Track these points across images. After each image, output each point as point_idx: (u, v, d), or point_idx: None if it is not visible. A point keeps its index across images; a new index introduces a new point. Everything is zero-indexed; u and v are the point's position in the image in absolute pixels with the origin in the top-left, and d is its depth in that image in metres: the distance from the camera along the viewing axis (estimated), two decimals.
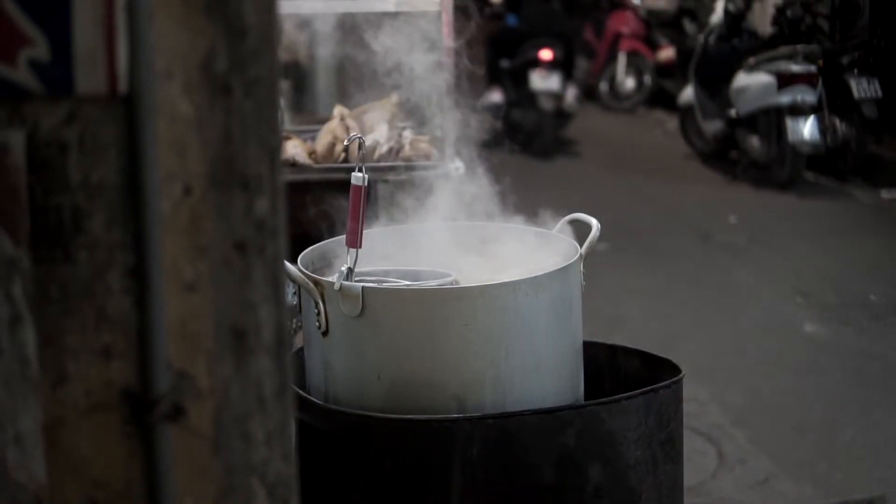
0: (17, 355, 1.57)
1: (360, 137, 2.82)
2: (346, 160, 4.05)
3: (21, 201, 1.57)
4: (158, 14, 1.56)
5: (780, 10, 10.46)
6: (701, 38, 11.29)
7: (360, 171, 2.71)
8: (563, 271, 2.66)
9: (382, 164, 4.14)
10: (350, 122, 4.28)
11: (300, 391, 2.66)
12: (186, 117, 1.59)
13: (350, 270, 2.65)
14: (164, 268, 1.60)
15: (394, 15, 4.08)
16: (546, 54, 11.04)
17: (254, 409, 1.65)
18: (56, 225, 1.59)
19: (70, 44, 1.55)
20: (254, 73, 1.61)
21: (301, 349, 2.82)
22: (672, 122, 12.34)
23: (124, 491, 1.63)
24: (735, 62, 10.43)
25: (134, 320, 1.60)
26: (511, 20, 11.81)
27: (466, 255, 2.89)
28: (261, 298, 1.64)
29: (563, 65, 11.16)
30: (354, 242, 2.68)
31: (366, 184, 2.70)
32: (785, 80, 9.68)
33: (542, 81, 10.97)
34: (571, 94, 11.45)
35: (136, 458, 1.62)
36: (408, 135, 4.29)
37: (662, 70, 13.72)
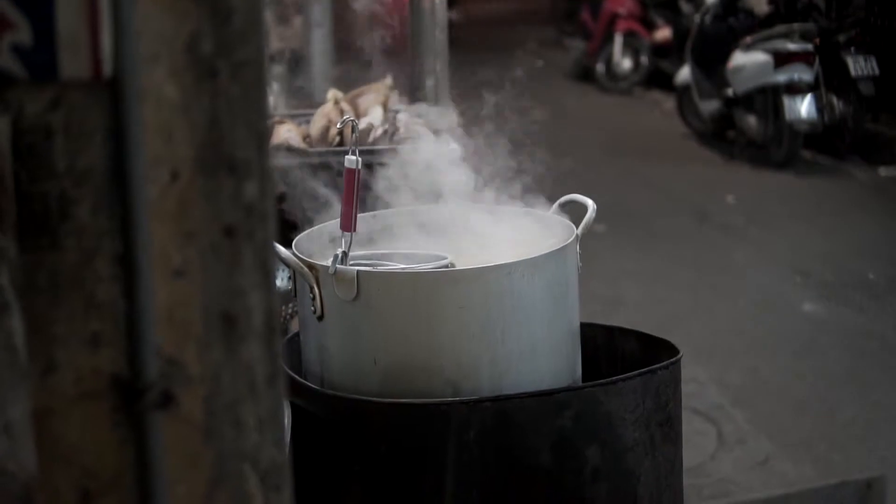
0: (4, 344, 1.55)
1: (352, 120, 2.80)
2: (340, 143, 4.03)
3: (6, 188, 1.55)
4: None
5: None
6: (697, 17, 11.27)
7: (353, 153, 2.69)
8: (559, 253, 2.64)
9: (377, 146, 4.12)
10: (344, 106, 4.26)
11: (296, 376, 2.65)
12: (172, 101, 1.57)
13: (345, 254, 2.63)
14: (152, 254, 1.58)
15: None
16: None
17: (245, 395, 1.63)
18: (42, 212, 1.57)
19: (53, 28, 1.53)
20: (240, 55, 1.59)
21: (297, 334, 2.80)
22: (669, 103, 12.32)
23: (115, 479, 1.62)
24: (731, 41, 10.40)
25: (122, 307, 1.58)
26: None
27: (462, 237, 2.87)
28: (251, 284, 1.62)
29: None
30: (349, 226, 2.66)
31: (360, 167, 2.69)
32: (781, 59, 9.66)
33: None
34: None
35: (127, 447, 1.61)
36: (402, 117, 4.27)
37: (659, 50, 13.71)
